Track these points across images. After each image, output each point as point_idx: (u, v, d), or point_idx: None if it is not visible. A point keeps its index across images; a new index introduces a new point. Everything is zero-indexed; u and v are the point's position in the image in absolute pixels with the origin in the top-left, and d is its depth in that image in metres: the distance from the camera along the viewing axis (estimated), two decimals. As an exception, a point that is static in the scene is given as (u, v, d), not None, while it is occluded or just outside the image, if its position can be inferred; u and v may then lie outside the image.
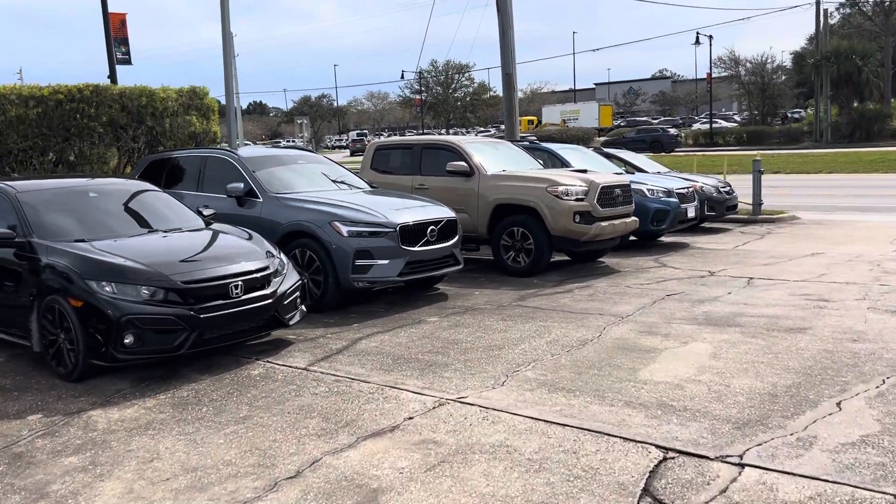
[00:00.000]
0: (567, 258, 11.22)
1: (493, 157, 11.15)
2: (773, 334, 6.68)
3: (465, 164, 10.61)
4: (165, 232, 6.99)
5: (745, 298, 8.21)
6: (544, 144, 13.82)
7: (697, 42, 56.97)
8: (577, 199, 9.94)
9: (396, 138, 12.47)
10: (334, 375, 5.96)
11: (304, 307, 7.08)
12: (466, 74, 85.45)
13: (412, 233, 8.26)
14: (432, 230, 8.45)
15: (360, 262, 7.98)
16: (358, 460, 4.38)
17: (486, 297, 8.85)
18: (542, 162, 11.95)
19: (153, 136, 11.47)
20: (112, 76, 20.86)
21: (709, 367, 5.83)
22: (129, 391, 5.81)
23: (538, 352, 6.40)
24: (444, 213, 8.80)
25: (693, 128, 63.42)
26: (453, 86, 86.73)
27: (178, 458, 4.55)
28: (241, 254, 6.62)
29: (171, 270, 6.06)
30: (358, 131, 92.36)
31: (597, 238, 10.15)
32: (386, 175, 11.57)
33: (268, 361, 6.40)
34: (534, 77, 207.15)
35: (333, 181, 9.65)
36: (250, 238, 7.07)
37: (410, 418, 5.00)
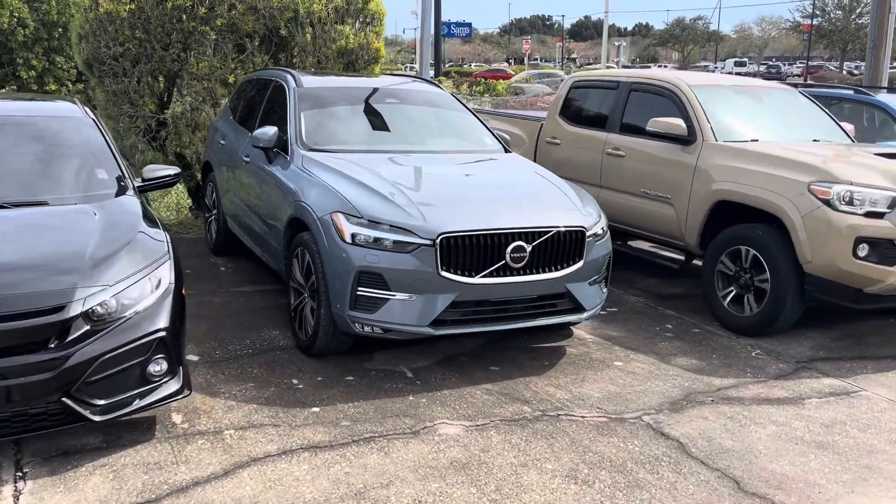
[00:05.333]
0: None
1: (745, 115, 6.57)
2: None
3: (681, 123, 6.24)
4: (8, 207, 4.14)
5: None
6: (884, 99, 8.44)
7: None
8: (869, 213, 5.13)
9: (599, 72, 8.26)
10: None
11: (168, 382, 3.77)
12: (878, -3, 70.72)
13: (471, 249, 4.47)
14: (518, 248, 4.54)
15: (364, 290, 4.44)
16: None
17: (622, 379, 4.76)
18: (846, 130, 6.90)
19: (289, 49, 8.79)
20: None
21: None
22: None
23: None
24: (558, 216, 4.77)
25: None
26: (858, 10, 72.68)
27: None
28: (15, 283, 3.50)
29: None
30: (736, 59, 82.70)
31: (901, 292, 5.29)
32: (575, 127, 7.55)
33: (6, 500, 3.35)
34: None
35: (433, 135, 6.08)
36: (115, 236, 3.92)
37: None
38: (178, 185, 9.31)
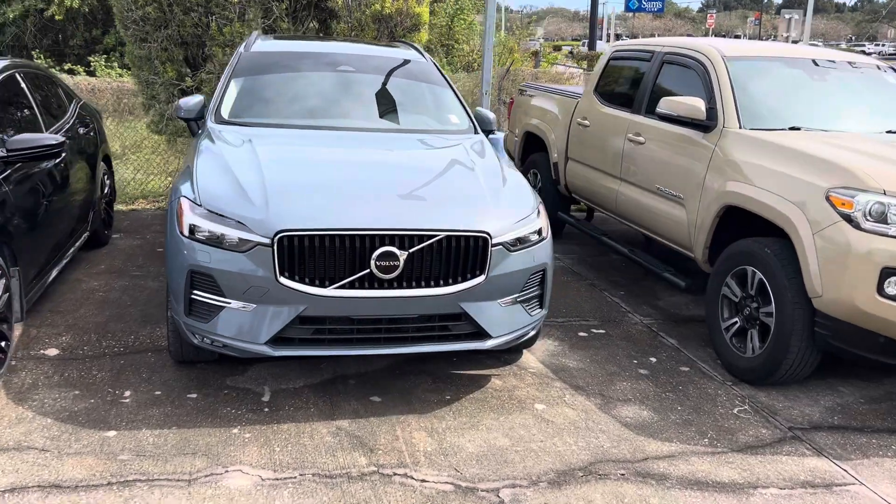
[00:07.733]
0: None
1: (794, 97, 5.09)
2: None
3: (698, 104, 4.90)
4: None
5: None
6: None
7: None
8: (908, 235, 3.66)
9: (638, 41, 6.71)
10: None
11: None
12: None
13: (321, 253, 3.56)
14: (387, 255, 3.57)
15: (199, 294, 3.68)
16: None
17: (526, 430, 3.67)
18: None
19: (318, 13, 8.07)
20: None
21: None
22: None
23: None
24: (451, 217, 3.74)
25: None
26: None
27: None
28: None
29: None
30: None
31: (950, 347, 3.76)
32: (606, 106, 6.30)
33: None
34: None
35: (379, 109, 5.15)
36: None
37: None
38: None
